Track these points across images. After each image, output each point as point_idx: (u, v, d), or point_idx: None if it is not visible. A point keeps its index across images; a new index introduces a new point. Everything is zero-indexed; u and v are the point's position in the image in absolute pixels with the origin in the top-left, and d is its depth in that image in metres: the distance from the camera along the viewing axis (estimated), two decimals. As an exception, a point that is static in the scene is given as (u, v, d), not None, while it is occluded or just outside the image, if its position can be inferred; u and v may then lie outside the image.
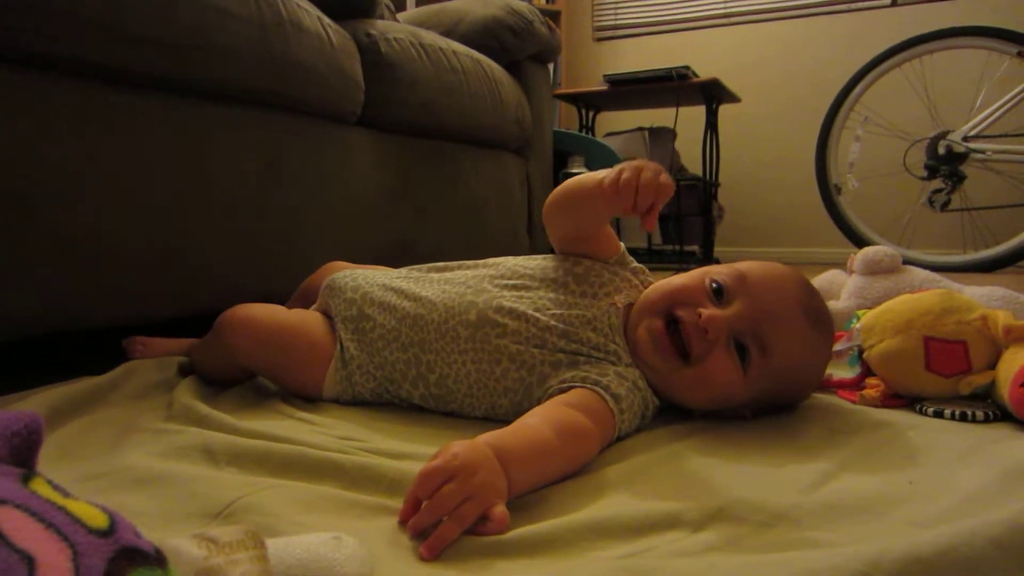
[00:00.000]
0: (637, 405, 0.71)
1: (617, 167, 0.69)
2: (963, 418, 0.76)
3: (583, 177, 0.75)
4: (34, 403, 0.73)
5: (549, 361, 0.73)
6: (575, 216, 0.79)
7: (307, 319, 0.86)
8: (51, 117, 0.86)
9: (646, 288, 0.79)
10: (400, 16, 1.98)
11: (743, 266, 0.75)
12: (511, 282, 0.79)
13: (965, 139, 2.55)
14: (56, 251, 0.87)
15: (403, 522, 0.50)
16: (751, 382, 0.71)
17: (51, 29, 0.84)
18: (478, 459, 0.52)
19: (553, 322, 0.74)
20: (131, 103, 0.96)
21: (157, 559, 0.29)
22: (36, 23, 0.83)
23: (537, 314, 0.74)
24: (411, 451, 0.64)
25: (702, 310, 0.70)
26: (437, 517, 0.48)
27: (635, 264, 0.83)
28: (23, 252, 0.84)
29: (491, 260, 0.86)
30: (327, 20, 1.29)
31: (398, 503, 0.53)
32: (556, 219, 0.81)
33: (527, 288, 0.78)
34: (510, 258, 0.85)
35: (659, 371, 0.73)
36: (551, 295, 0.77)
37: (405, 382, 0.79)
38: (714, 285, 0.73)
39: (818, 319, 0.74)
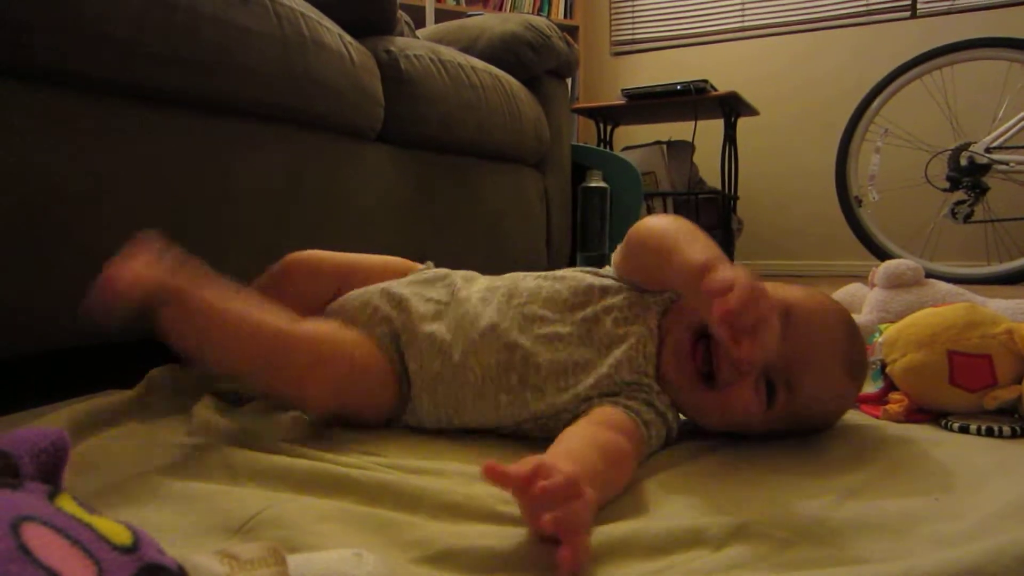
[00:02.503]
0: (662, 434, 0.69)
1: (725, 273, 0.56)
2: (989, 433, 0.75)
3: (675, 239, 0.66)
4: (58, 418, 0.74)
5: (582, 396, 0.71)
6: (645, 272, 0.74)
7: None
8: (78, 133, 0.88)
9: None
10: (419, 33, 2.00)
11: (790, 296, 0.70)
12: (534, 312, 0.74)
13: (987, 150, 2.53)
14: (83, 264, 0.89)
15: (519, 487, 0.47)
16: (770, 417, 0.69)
17: (78, 48, 0.86)
18: (576, 475, 0.48)
19: (587, 388, 0.70)
20: (155, 120, 0.97)
21: (180, 576, 0.29)
22: (64, 42, 0.84)
23: (573, 387, 0.70)
24: (429, 467, 0.64)
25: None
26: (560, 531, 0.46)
27: None
28: (52, 266, 0.85)
29: (508, 282, 0.80)
30: (348, 38, 1.31)
31: (417, 518, 0.53)
32: (630, 260, 0.75)
33: (557, 338, 0.72)
34: (529, 279, 0.80)
35: (678, 388, 0.71)
36: (582, 341, 0.72)
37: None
38: None
39: (855, 369, 0.72)
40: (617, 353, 0.71)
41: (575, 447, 0.59)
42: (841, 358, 0.71)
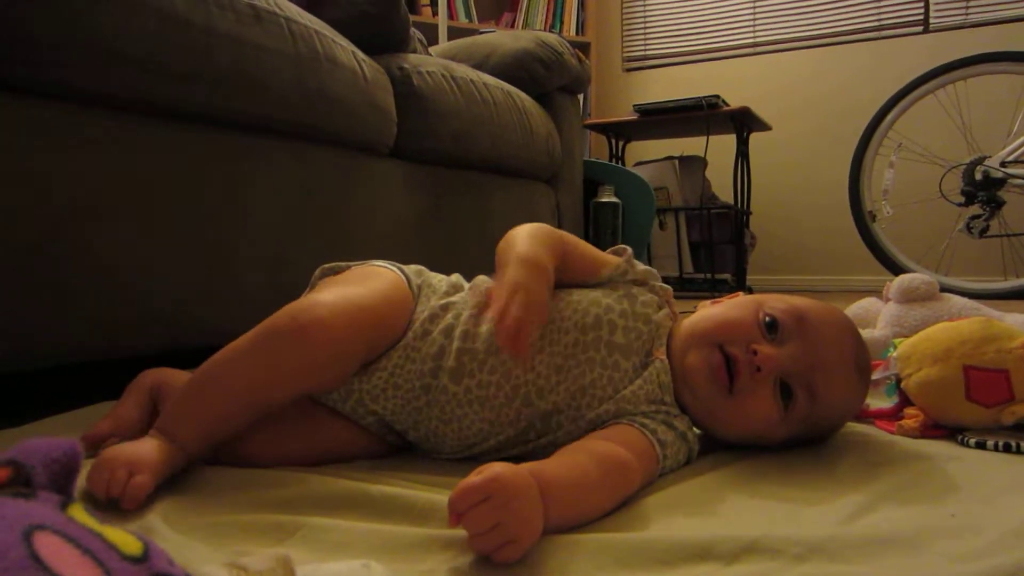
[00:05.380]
0: (682, 455, 0.69)
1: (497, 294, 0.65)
2: (1007, 449, 0.74)
3: (504, 255, 0.70)
4: (69, 425, 0.74)
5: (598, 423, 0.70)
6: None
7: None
8: (92, 148, 0.89)
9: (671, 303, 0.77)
10: (432, 50, 2.01)
11: (802, 305, 0.72)
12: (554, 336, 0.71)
13: (1002, 164, 2.51)
14: (95, 279, 0.90)
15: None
16: (789, 423, 0.69)
17: (95, 66, 0.87)
18: (519, 486, 0.50)
19: (606, 408, 0.69)
20: (170, 136, 0.99)
21: (189, 586, 0.29)
22: (80, 60, 0.86)
23: (590, 412, 0.69)
24: (443, 481, 0.64)
25: (757, 346, 0.68)
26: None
27: (656, 280, 0.78)
28: (64, 281, 0.86)
29: None
30: (361, 54, 1.32)
31: (427, 530, 0.52)
32: None
33: (575, 361, 0.70)
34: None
35: (704, 398, 0.70)
36: (598, 368, 0.70)
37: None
38: (767, 319, 0.70)
39: (864, 372, 0.74)
40: (634, 387, 0.70)
41: (557, 455, 0.60)
42: (853, 361, 0.72)
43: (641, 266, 0.78)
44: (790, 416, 0.69)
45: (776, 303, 0.72)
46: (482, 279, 0.79)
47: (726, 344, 0.69)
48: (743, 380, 0.68)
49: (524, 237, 0.72)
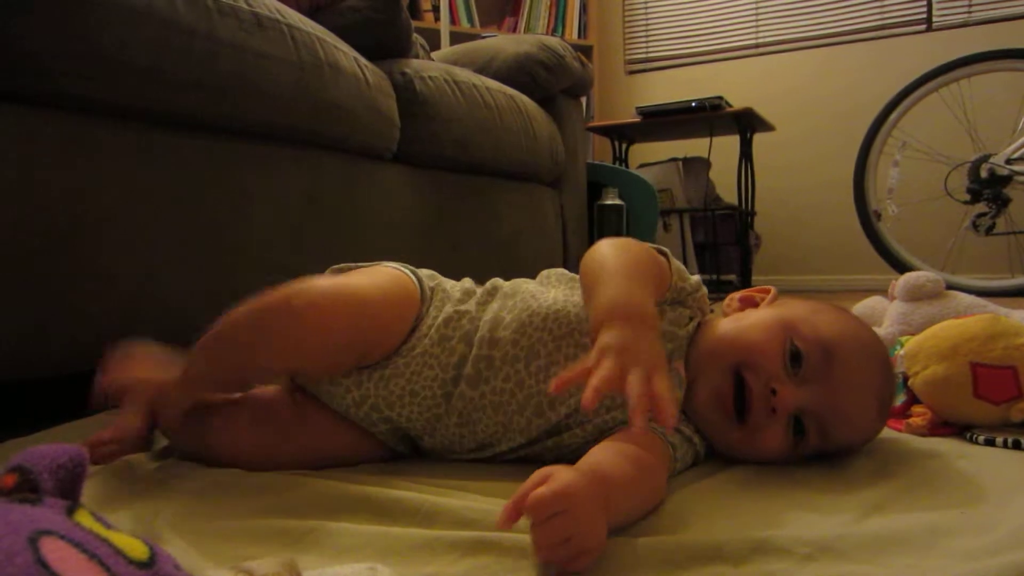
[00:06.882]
0: (689, 456, 0.69)
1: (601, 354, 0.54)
2: (1016, 446, 0.73)
3: (596, 276, 0.63)
4: (76, 434, 0.74)
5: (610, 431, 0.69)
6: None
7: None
8: (97, 157, 0.90)
9: (702, 307, 0.75)
10: (434, 55, 2.02)
11: (831, 335, 0.67)
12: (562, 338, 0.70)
13: (1008, 162, 2.50)
14: (101, 287, 0.90)
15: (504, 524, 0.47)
16: (797, 454, 0.68)
17: (99, 76, 0.88)
18: (589, 497, 0.48)
19: (613, 415, 0.69)
20: (174, 143, 0.99)
21: (196, 590, 0.29)
22: (85, 70, 0.86)
23: (597, 418, 0.68)
24: (449, 484, 0.64)
25: (776, 386, 0.65)
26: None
27: (697, 292, 0.74)
28: (70, 289, 0.87)
29: (532, 313, 0.72)
30: (363, 61, 1.32)
31: (433, 532, 0.52)
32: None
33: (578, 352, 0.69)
34: (551, 301, 0.74)
35: (709, 423, 0.70)
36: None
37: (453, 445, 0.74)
38: (793, 349, 0.66)
39: (886, 404, 0.71)
40: None
41: (603, 458, 0.57)
42: (876, 399, 0.69)
43: (691, 280, 0.73)
44: (799, 450, 0.68)
45: (805, 330, 0.67)
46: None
47: (743, 368, 0.67)
48: (757, 416, 0.66)
49: (617, 270, 0.63)
